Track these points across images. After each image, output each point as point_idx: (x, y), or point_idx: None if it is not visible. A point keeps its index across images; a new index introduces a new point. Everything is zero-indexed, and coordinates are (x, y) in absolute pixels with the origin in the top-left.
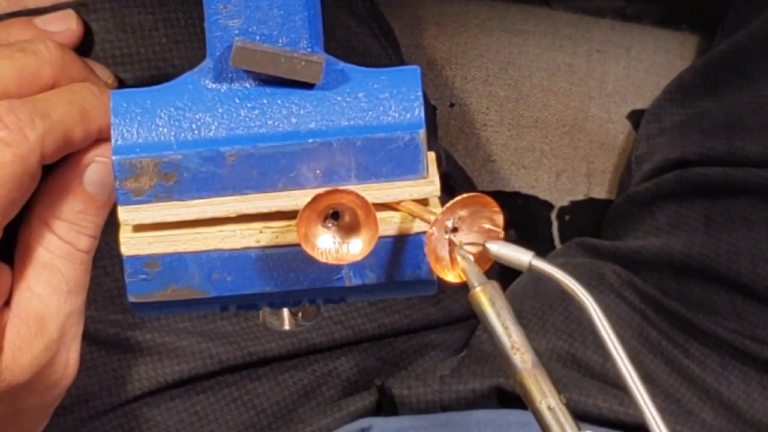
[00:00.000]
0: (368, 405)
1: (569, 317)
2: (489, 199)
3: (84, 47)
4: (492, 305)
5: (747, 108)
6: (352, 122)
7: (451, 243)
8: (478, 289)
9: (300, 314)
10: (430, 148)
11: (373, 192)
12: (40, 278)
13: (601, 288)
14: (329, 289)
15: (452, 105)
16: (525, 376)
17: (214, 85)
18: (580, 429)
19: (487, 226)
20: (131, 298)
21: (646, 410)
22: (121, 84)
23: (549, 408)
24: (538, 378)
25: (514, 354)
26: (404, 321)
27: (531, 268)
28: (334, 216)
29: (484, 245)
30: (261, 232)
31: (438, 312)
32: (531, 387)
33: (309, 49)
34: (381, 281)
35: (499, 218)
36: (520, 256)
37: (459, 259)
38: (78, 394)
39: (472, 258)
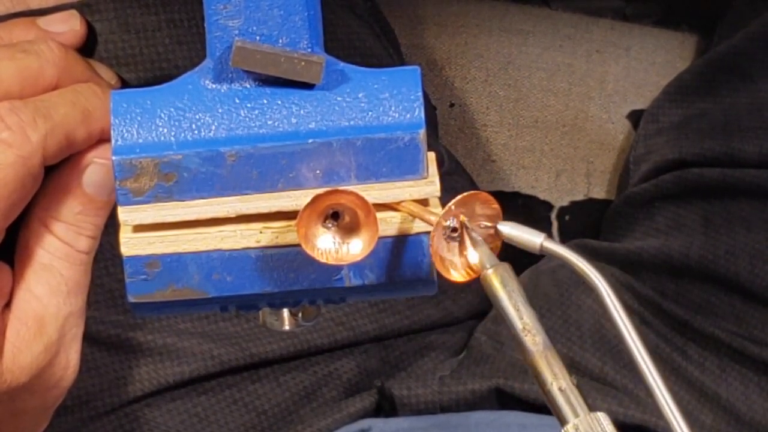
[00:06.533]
0: (368, 406)
1: (567, 321)
2: (487, 196)
3: (87, 48)
4: (504, 287)
5: (745, 109)
6: (352, 122)
7: (462, 225)
8: (489, 271)
9: (300, 315)
10: (431, 148)
11: (373, 192)
12: (39, 279)
13: None
14: (329, 290)
15: (452, 105)
16: (536, 358)
17: (214, 86)
18: (591, 410)
19: (487, 223)
20: (131, 299)
21: (655, 388)
22: (124, 85)
23: (560, 389)
24: (550, 359)
25: (525, 336)
26: (404, 322)
27: (542, 249)
28: (334, 216)
29: (495, 227)
30: (261, 232)
31: (438, 313)
32: (542, 368)
33: (309, 49)
34: (381, 281)
35: (499, 214)
36: (531, 237)
37: (468, 243)
38: (79, 394)
39: (482, 240)
